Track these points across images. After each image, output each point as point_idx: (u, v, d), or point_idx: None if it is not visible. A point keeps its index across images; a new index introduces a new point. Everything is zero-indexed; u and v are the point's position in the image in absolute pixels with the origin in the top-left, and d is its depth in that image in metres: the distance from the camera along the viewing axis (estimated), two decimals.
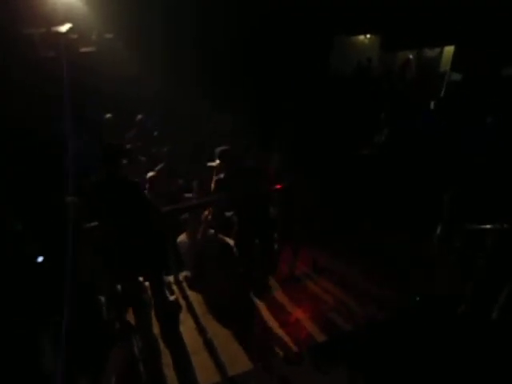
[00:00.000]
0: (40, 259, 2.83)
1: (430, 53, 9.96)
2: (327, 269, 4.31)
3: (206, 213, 4.15)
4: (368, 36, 10.75)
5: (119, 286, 3.71)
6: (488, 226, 3.18)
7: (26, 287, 2.73)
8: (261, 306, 3.85)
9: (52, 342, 2.85)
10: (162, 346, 3.43)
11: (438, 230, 3.42)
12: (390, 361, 3.07)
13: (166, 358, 3.30)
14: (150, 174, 4.26)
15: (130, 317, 3.67)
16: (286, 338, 3.42)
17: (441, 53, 9.74)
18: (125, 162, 4.80)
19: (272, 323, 3.61)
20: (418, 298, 3.58)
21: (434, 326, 3.32)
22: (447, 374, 2.92)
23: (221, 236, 4.20)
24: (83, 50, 8.02)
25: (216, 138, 5.75)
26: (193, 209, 4.17)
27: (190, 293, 4.10)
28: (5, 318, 2.58)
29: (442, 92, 8.21)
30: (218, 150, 3.86)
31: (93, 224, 3.26)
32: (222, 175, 3.80)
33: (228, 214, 4.32)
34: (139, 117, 5.98)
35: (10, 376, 2.55)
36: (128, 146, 5.09)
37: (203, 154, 4.86)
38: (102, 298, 3.68)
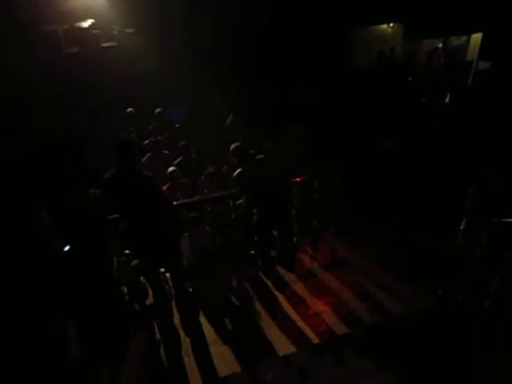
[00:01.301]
0: (67, 248, 2.92)
1: (456, 41, 9.60)
2: (347, 262, 4.26)
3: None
4: (391, 25, 10.46)
5: (141, 277, 3.81)
6: None
7: (53, 277, 2.83)
8: (280, 298, 3.86)
9: (77, 330, 2.96)
10: (182, 335, 3.50)
11: (463, 225, 3.33)
12: (411, 355, 3.03)
13: (186, 347, 3.37)
14: (171, 169, 4.30)
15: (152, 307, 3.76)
16: (306, 331, 3.41)
17: (468, 41, 9.37)
18: (149, 154, 4.90)
19: (292, 316, 3.61)
20: (440, 293, 3.51)
21: (458, 321, 3.25)
22: (470, 368, 2.86)
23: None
24: (105, 44, 8.16)
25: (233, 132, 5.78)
26: (206, 203, 4.19)
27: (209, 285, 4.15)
28: (34, 306, 2.69)
29: (469, 81, 7.91)
30: (232, 146, 3.92)
31: (114, 216, 3.33)
32: (238, 171, 3.85)
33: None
34: (158, 110, 6.04)
35: (41, 360, 2.66)
36: (152, 139, 5.16)
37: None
38: (125, 289, 3.78)
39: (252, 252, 4.33)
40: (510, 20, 6.88)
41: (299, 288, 3.98)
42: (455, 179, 4.04)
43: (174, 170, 4.26)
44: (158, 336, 3.52)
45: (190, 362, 3.23)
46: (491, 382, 2.75)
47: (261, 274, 4.20)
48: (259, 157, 3.99)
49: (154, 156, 4.95)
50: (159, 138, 5.41)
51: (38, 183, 4.32)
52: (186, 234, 4.08)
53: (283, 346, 3.28)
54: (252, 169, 3.85)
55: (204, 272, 4.19)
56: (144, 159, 4.85)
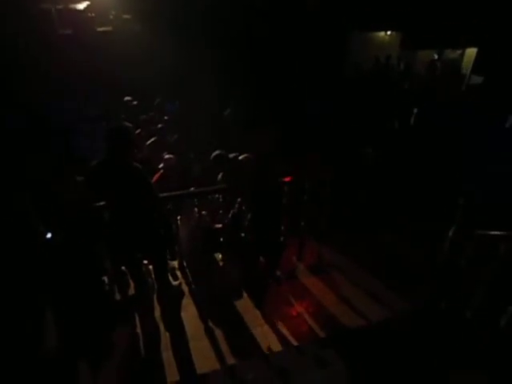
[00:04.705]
0: (49, 235, 2.83)
1: (451, 54, 9.76)
2: (333, 265, 4.26)
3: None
4: (389, 33, 10.55)
5: (123, 268, 3.72)
6: (500, 233, 3.10)
7: (34, 264, 2.74)
8: (264, 298, 3.81)
9: (55, 320, 2.87)
10: (162, 329, 3.44)
11: (451, 234, 3.35)
12: (390, 361, 3.05)
13: (166, 342, 3.31)
14: (167, 156, 4.25)
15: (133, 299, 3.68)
16: (288, 331, 3.40)
17: (462, 55, 9.54)
18: (154, 139, 4.81)
19: (274, 316, 3.58)
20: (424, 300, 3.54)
21: (439, 329, 3.28)
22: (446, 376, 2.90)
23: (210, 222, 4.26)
24: (100, 29, 7.99)
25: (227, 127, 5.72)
26: (195, 196, 4.13)
27: (193, 280, 4.09)
28: (13, 294, 2.59)
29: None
30: (212, 156, 3.96)
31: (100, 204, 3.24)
32: (221, 174, 4.03)
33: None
34: (158, 100, 5.93)
35: (15, 350, 2.57)
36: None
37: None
38: (106, 279, 3.69)
39: (239, 250, 4.27)
40: (504, 37, 7.02)
41: (283, 289, 3.96)
42: (446, 188, 4.09)
43: (170, 158, 4.18)
44: (137, 328, 3.44)
45: (168, 356, 3.17)
46: None
47: (246, 273, 4.15)
48: (241, 157, 4.02)
49: (159, 141, 4.91)
50: (152, 128, 5.31)
51: (22, 168, 4.20)
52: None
53: (264, 345, 3.25)
54: (235, 170, 3.91)
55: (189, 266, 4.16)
56: (148, 142, 4.85)
